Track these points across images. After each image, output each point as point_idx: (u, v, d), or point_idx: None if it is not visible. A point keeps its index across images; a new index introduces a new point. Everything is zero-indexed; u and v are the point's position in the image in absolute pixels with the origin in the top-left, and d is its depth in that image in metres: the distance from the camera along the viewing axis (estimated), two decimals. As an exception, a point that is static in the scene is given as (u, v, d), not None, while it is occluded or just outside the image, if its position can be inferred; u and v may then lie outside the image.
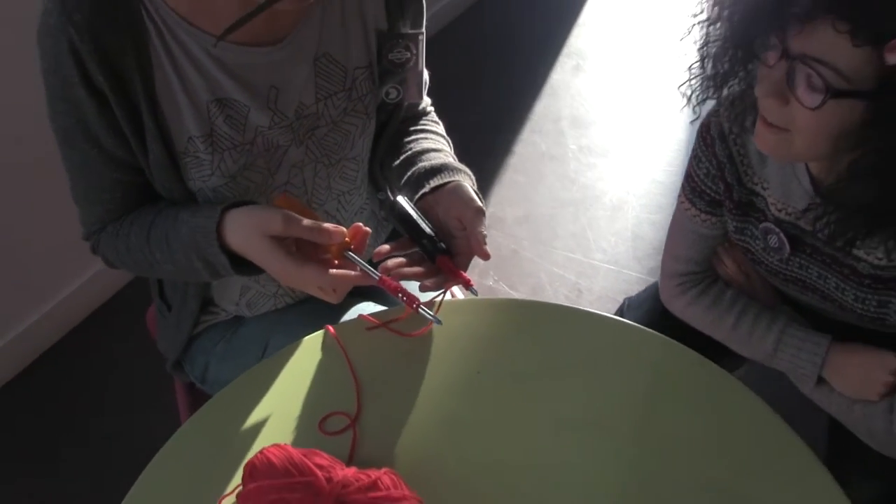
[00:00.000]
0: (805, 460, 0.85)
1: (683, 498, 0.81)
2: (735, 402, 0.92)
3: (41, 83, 0.93)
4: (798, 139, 0.86)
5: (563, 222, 2.42)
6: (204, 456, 0.85)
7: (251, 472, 0.72)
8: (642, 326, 1.01)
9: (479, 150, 2.74)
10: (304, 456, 0.71)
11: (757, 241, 1.12)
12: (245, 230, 0.90)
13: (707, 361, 0.97)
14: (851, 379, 1.09)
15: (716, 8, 0.91)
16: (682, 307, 1.23)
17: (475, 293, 0.95)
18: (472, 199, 0.98)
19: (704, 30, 0.94)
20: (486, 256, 0.94)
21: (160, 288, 1.20)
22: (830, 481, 0.82)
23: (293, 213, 0.88)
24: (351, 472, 0.70)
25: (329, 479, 0.69)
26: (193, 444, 0.87)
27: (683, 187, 1.18)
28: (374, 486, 0.69)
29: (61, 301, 2.12)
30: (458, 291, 1.30)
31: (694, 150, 1.13)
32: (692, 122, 1.08)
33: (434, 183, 1.01)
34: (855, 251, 0.99)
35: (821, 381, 1.12)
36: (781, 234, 1.06)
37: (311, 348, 0.97)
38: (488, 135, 2.83)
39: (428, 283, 0.93)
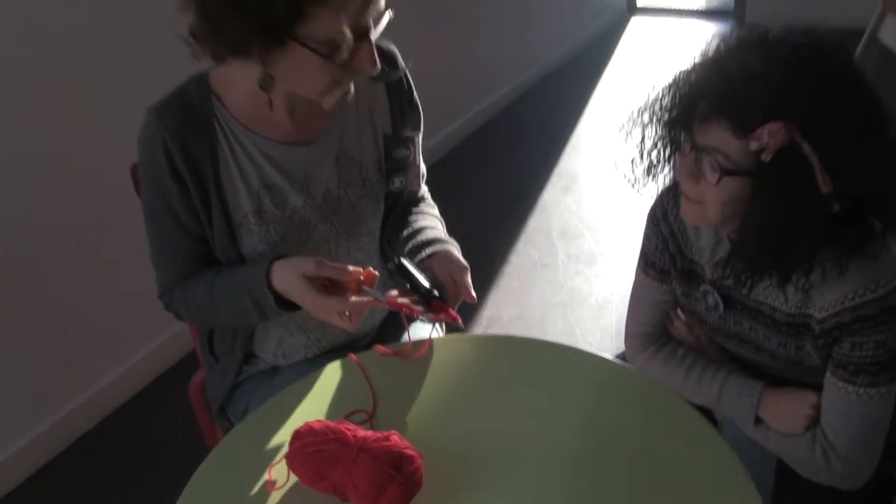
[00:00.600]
0: (748, 496, 1.02)
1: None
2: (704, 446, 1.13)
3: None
4: (709, 208, 1.11)
5: (553, 321, 2.68)
6: (251, 452, 1.08)
7: (296, 436, 0.96)
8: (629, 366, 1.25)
9: (479, 259, 3.00)
10: (337, 423, 0.96)
11: (699, 303, 1.34)
12: (286, 271, 1.18)
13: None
14: (782, 416, 1.27)
15: (646, 115, 1.19)
16: (643, 362, 1.44)
17: (462, 328, 1.21)
18: (459, 261, 1.27)
19: (641, 132, 1.21)
20: (472, 299, 1.21)
21: (210, 344, 1.45)
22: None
23: (322, 259, 1.16)
24: (370, 433, 0.95)
25: (354, 436, 0.93)
26: (243, 445, 1.11)
27: (639, 262, 1.42)
28: (386, 439, 0.94)
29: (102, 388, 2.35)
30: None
31: (645, 230, 1.38)
32: (638, 198, 1.34)
33: (429, 251, 1.30)
34: (769, 301, 1.22)
35: (759, 421, 1.29)
36: (716, 294, 1.29)
37: (334, 371, 1.24)
38: (487, 246, 3.15)
39: (425, 316, 1.20)
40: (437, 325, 1.37)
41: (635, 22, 6.18)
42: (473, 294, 1.22)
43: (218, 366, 1.43)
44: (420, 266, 1.27)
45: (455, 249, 1.32)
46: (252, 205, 1.25)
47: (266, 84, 1.12)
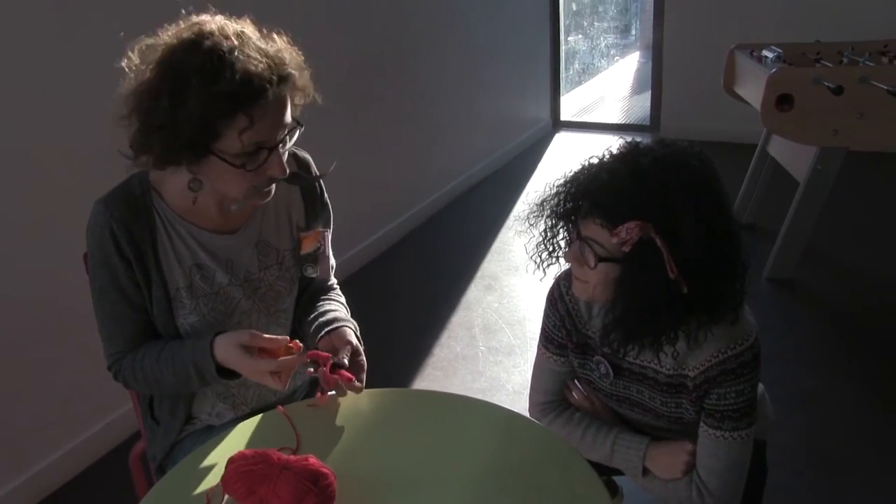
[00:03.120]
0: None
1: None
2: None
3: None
4: (592, 286, 1.36)
5: (473, 405, 2.89)
6: (189, 486, 1.26)
7: (231, 461, 1.16)
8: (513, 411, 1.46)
9: (406, 352, 3.27)
10: (265, 450, 1.17)
11: (594, 372, 1.54)
12: (225, 342, 1.39)
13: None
14: (664, 464, 1.46)
15: (546, 208, 1.43)
16: (545, 425, 1.62)
17: (359, 390, 1.44)
18: (346, 338, 1.51)
19: (542, 222, 1.44)
20: (350, 380, 1.42)
21: (151, 409, 1.63)
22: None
23: (255, 331, 1.38)
24: (292, 457, 1.16)
25: (279, 458, 1.15)
26: (181, 480, 1.29)
27: (540, 338, 1.62)
28: (305, 460, 1.15)
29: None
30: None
31: (545, 310, 1.60)
32: (541, 279, 1.56)
33: (328, 328, 1.54)
34: (651, 365, 1.44)
35: (646, 471, 1.49)
36: (606, 363, 1.50)
37: (263, 421, 1.44)
38: (414, 340, 3.37)
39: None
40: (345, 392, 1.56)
41: (560, 136, 6.65)
42: (344, 360, 1.45)
43: (159, 428, 1.61)
44: (323, 340, 1.52)
45: (349, 328, 1.55)
46: (184, 281, 1.47)
47: (194, 187, 1.38)
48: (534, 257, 1.49)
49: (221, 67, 1.21)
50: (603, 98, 8.46)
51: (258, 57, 1.25)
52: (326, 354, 1.41)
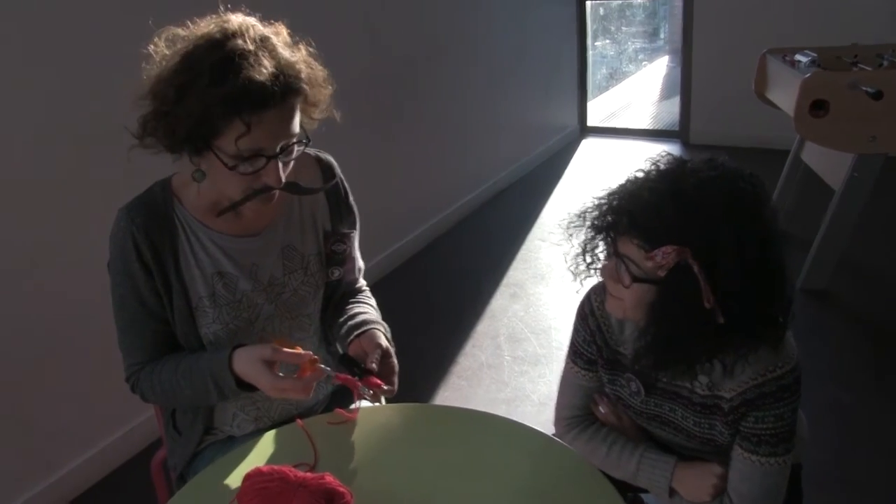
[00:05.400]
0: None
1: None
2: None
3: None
4: (627, 304, 1.31)
5: (497, 416, 2.84)
6: (206, 500, 1.24)
7: (247, 477, 1.13)
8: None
9: (429, 361, 3.23)
10: (281, 467, 1.13)
11: (624, 389, 1.50)
12: (246, 356, 1.36)
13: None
14: (692, 486, 1.42)
15: (585, 220, 1.37)
16: (570, 441, 1.58)
17: (392, 393, 1.39)
18: (377, 341, 1.47)
19: (582, 233, 1.39)
20: (380, 386, 1.38)
21: (173, 420, 1.61)
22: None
23: (277, 346, 1.34)
24: (308, 474, 1.13)
25: (295, 476, 1.11)
26: (199, 494, 1.26)
27: (568, 352, 1.58)
28: (322, 478, 1.11)
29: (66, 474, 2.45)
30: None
31: (574, 323, 1.56)
32: (577, 291, 1.52)
33: (358, 332, 1.51)
34: (685, 384, 1.38)
35: (672, 492, 1.44)
36: (637, 381, 1.46)
37: (282, 435, 1.41)
38: (438, 350, 3.34)
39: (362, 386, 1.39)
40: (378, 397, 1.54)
41: (587, 142, 6.59)
42: (373, 366, 1.40)
43: (180, 438, 1.58)
44: (354, 343, 1.48)
45: (380, 330, 1.52)
46: (207, 289, 1.45)
47: (197, 177, 1.36)
48: (571, 268, 1.44)
49: (228, 70, 1.21)
50: (631, 103, 8.39)
51: (269, 66, 1.24)
52: (354, 380, 1.37)
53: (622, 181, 1.33)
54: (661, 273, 1.21)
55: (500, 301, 3.76)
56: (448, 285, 4.05)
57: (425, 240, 4.47)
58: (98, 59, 2.39)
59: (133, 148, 1.31)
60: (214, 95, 1.21)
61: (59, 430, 2.44)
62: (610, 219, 1.31)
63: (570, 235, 1.40)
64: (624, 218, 1.27)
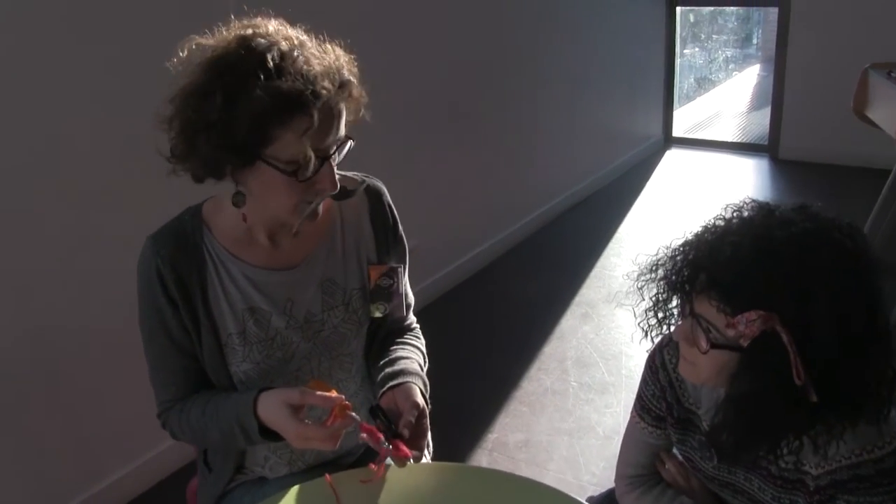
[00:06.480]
0: None
1: None
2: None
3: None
4: (702, 370, 1.17)
5: (558, 448, 2.70)
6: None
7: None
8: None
9: (491, 382, 3.10)
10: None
11: (696, 451, 1.37)
12: (271, 401, 1.26)
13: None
14: None
15: (659, 272, 1.23)
16: (631, 502, 1.46)
17: (419, 459, 1.26)
18: (413, 398, 1.32)
19: (655, 288, 1.25)
20: (407, 457, 1.24)
21: (205, 455, 1.53)
22: None
23: (306, 388, 1.23)
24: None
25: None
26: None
27: (635, 404, 1.45)
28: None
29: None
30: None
31: (643, 375, 1.43)
32: (647, 351, 1.40)
33: (392, 383, 1.37)
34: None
35: None
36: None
37: (308, 490, 1.31)
38: (500, 370, 3.20)
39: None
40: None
41: (671, 154, 6.33)
42: (405, 431, 1.26)
43: (211, 475, 1.50)
44: (386, 395, 1.35)
45: (418, 386, 1.38)
46: (236, 326, 1.35)
47: (237, 201, 1.26)
48: (642, 323, 1.30)
49: (285, 64, 1.14)
50: (718, 114, 8.06)
51: (318, 61, 1.18)
52: (379, 434, 1.25)
53: (700, 229, 1.17)
54: (744, 342, 1.05)
55: (569, 321, 3.60)
56: (515, 303, 3.90)
57: (493, 254, 4.33)
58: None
59: (169, 175, 1.23)
60: (276, 90, 1.12)
61: (111, 437, 2.43)
62: (686, 272, 1.16)
63: (640, 289, 1.26)
64: (702, 275, 1.11)
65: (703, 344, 1.12)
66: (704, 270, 1.11)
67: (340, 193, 1.30)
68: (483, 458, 2.66)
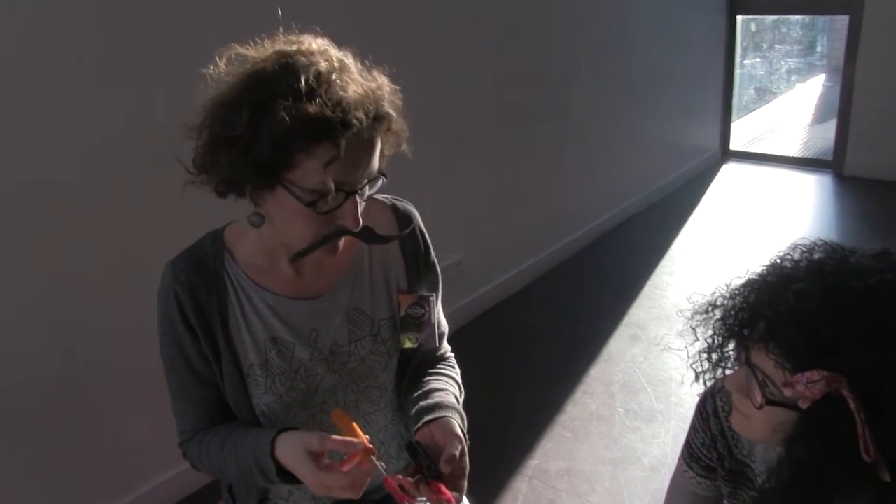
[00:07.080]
0: None
1: None
2: None
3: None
4: (755, 425, 1.06)
5: (602, 479, 2.58)
6: None
7: None
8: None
9: (534, 404, 2.99)
10: None
11: None
12: (290, 444, 1.18)
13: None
14: None
15: (716, 311, 1.12)
16: None
17: (460, 495, 1.16)
18: (455, 432, 1.23)
19: (710, 330, 1.13)
20: (449, 500, 1.14)
21: (229, 485, 1.46)
22: None
23: (325, 434, 1.15)
24: None
25: None
26: None
27: (682, 452, 1.35)
28: None
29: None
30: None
31: (693, 421, 1.32)
32: (697, 395, 1.29)
33: (428, 417, 1.27)
34: None
35: None
36: None
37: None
38: (543, 393, 3.09)
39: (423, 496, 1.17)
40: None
41: (728, 167, 6.13)
42: (446, 469, 1.17)
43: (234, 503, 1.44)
44: (422, 431, 1.25)
45: (456, 418, 1.29)
46: (258, 357, 1.28)
47: (255, 221, 1.18)
48: (694, 365, 1.18)
49: (317, 87, 1.06)
50: (779, 126, 7.80)
51: (358, 87, 1.09)
52: (408, 482, 1.15)
53: (763, 270, 1.06)
54: (804, 404, 0.93)
55: (617, 343, 3.46)
56: (562, 321, 3.77)
57: (540, 269, 4.21)
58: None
59: (187, 185, 1.16)
60: (303, 114, 1.04)
61: (135, 454, 2.41)
62: (744, 316, 1.04)
63: (693, 329, 1.14)
64: (761, 322, 1.00)
65: (758, 398, 1.01)
66: (764, 318, 1.00)
67: (374, 238, 1.21)
68: (523, 485, 2.56)
